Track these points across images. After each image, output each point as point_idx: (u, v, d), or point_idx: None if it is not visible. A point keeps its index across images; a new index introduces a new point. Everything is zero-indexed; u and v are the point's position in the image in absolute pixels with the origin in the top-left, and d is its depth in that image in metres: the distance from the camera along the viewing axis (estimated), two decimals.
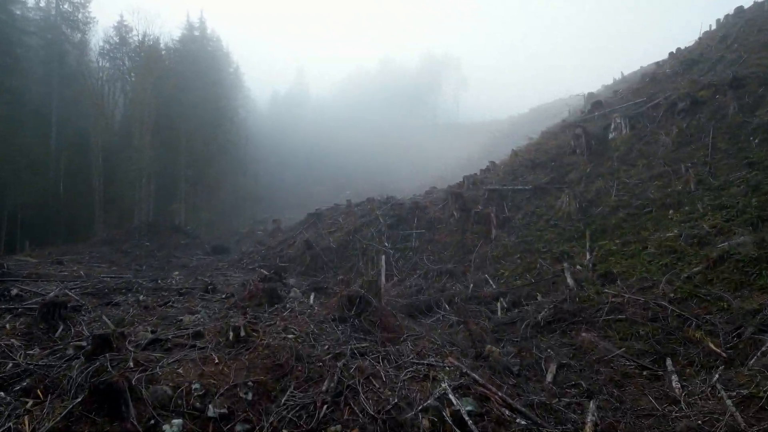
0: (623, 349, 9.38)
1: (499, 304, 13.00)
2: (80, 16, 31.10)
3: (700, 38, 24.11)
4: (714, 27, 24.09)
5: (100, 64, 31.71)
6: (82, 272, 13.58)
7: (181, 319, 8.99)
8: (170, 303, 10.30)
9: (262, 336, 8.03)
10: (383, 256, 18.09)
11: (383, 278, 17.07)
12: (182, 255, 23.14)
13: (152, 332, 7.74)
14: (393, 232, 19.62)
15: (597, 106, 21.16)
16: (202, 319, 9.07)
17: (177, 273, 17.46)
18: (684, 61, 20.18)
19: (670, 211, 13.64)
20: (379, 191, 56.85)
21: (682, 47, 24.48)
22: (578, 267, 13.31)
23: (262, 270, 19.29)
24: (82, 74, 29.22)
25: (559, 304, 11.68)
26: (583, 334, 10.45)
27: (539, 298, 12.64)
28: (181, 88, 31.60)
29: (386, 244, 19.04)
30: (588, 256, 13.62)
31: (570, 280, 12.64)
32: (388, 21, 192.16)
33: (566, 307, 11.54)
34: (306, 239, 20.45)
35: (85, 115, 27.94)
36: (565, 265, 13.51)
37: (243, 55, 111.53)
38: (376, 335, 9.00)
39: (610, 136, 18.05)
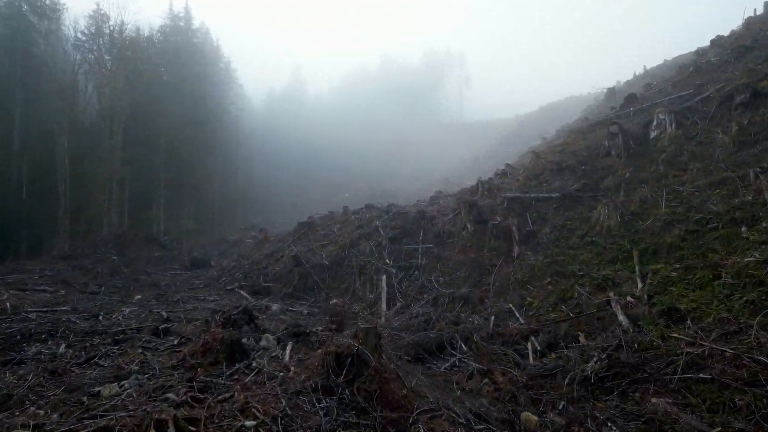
0: (718, 429, 6.82)
1: (529, 345, 10.45)
2: (48, 2, 28.59)
3: (746, 22, 21.60)
4: (761, 11, 21.60)
5: (75, 57, 29.20)
6: (8, 303, 11.03)
7: (99, 392, 6.40)
8: (97, 358, 7.71)
9: (205, 428, 5.48)
10: (384, 276, 15.57)
11: (384, 304, 14.54)
12: (155, 270, 20.60)
13: (35, 428, 5.14)
14: (395, 247, 17.09)
15: (631, 100, 18.63)
16: (129, 389, 6.47)
17: (139, 297, 14.96)
18: (734, 49, 17.68)
19: (743, 228, 11.08)
20: (379, 194, 54.40)
21: (724, 34, 21.97)
22: (629, 298, 10.75)
23: (241, 291, 16.77)
24: (50, 67, 26.70)
25: (613, 351, 9.11)
26: (654, 400, 7.86)
27: (582, 339, 10.08)
28: (159, 82, 29.10)
29: (387, 261, 16.52)
30: (640, 284, 11.06)
31: (622, 317, 10.09)
32: (376, 13, 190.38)
33: (623, 356, 8.98)
34: (294, 254, 17.91)
35: (54, 112, 25.45)
36: (612, 294, 10.96)
37: (235, 50, 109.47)
38: (374, 415, 6.45)
39: (652, 134, 15.51)
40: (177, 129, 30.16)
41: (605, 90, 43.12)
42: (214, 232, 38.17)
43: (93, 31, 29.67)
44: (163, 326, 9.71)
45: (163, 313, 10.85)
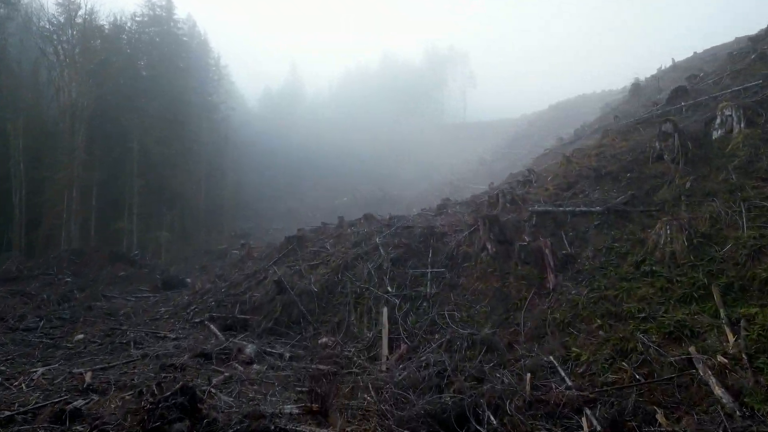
0: None
1: (584, 422, 7.72)
2: None
3: None
4: None
5: (38, 48, 26.39)
6: None
7: None
8: None
9: None
10: (385, 309, 12.82)
11: (386, 347, 11.81)
12: (118, 294, 17.87)
13: None
14: (399, 271, 14.35)
15: (680, 94, 15.88)
16: None
17: (81, 337, 12.24)
18: None
19: None
20: (378, 199, 51.62)
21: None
22: (720, 358, 8.00)
23: (211, 326, 14.00)
24: (5, 59, 23.97)
25: None
26: None
27: (662, 419, 7.35)
28: (134, 76, 26.40)
29: (389, 289, 13.79)
30: (731, 337, 8.31)
31: (719, 390, 7.34)
32: (377, 11, 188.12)
33: None
34: (278, 278, 15.16)
35: (10, 110, 22.71)
36: (693, 350, 8.25)
37: (228, 47, 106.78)
38: None
39: (715, 134, 12.76)
40: (152, 129, 27.39)
41: (629, 86, 40.43)
42: (200, 240, 35.42)
43: (62, 20, 26.95)
44: (73, 406, 6.94)
45: (86, 377, 8.08)
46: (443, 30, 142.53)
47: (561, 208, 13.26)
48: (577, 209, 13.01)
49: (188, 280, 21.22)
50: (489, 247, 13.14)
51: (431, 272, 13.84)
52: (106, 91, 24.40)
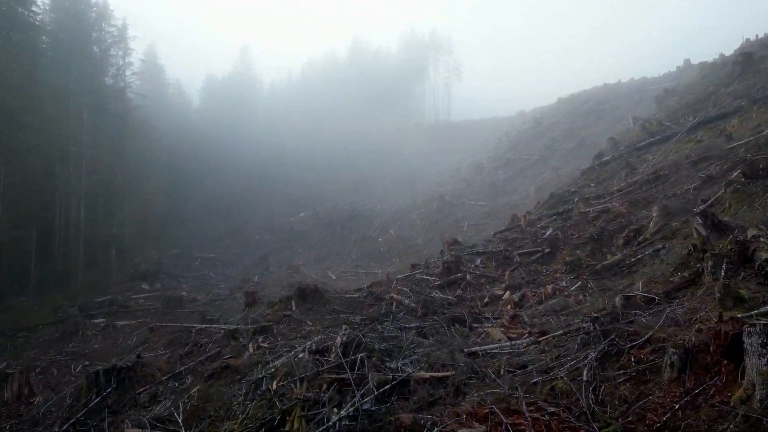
0: None
1: None
2: None
3: None
4: None
5: None
6: None
7: None
8: None
9: None
10: None
11: None
12: None
13: None
14: None
15: None
16: None
17: None
18: None
19: None
20: (346, 215, 42.05)
21: None
22: None
23: None
24: None
25: None
26: None
27: None
28: None
29: None
30: None
31: None
32: None
33: None
34: None
35: None
36: None
37: (163, 28, 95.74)
38: None
39: None
40: None
41: (674, 70, 32.27)
42: (78, 284, 25.30)
43: None
44: None
45: None
46: (423, 15, 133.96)
47: None
48: None
49: None
50: None
51: None
52: None
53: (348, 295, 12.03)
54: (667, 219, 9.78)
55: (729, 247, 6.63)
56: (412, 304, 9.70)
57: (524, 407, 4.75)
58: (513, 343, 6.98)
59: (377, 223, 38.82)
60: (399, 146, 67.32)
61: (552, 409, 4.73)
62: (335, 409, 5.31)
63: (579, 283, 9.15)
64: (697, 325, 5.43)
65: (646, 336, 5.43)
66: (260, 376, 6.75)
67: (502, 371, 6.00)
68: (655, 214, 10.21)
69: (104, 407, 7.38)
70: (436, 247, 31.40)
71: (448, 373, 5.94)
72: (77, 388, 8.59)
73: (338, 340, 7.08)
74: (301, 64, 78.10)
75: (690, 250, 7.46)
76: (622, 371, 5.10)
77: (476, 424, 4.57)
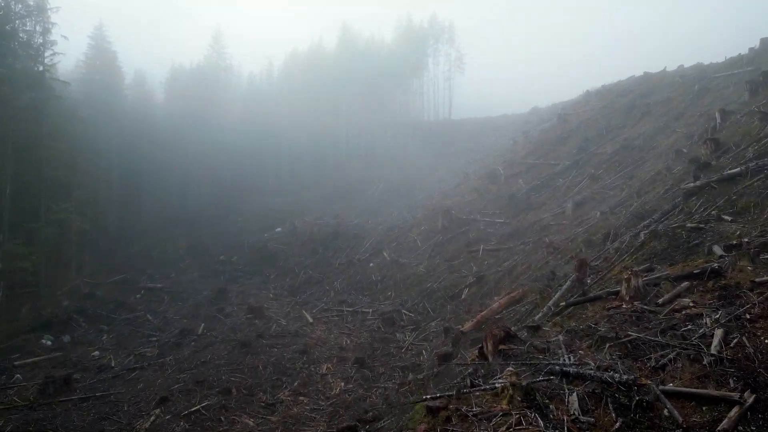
0: None
1: None
2: None
3: None
4: None
5: None
6: None
7: None
8: None
9: None
10: None
11: None
12: None
13: None
14: None
15: None
16: None
17: None
18: None
19: None
20: (330, 233, 35.66)
21: None
22: None
23: None
24: None
25: None
26: None
27: None
28: None
29: None
30: None
31: None
32: None
33: None
34: None
35: None
36: None
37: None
38: None
39: None
40: None
41: (746, 52, 26.29)
42: None
43: None
44: None
45: None
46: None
47: None
48: None
49: None
50: None
51: None
52: None
53: None
54: None
55: None
56: None
57: None
58: None
59: (368, 242, 32.48)
60: (394, 148, 61.19)
61: None
62: None
63: None
64: None
65: None
66: None
67: None
68: None
69: None
70: (443, 278, 25.21)
71: None
72: None
73: None
74: (284, 56, 71.81)
75: None
76: None
77: None
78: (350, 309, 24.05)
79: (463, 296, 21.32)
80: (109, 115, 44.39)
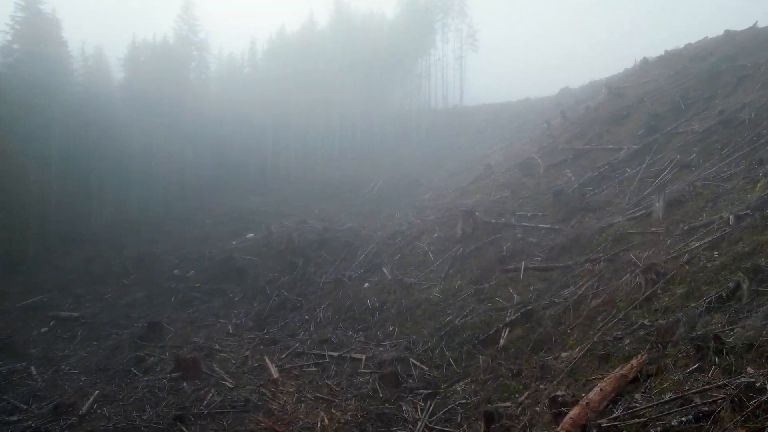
0: None
1: None
2: None
3: None
4: None
5: None
6: None
7: None
8: None
9: None
10: None
11: None
12: None
13: None
14: None
15: None
16: None
17: None
18: None
19: None
20: (314, 240, 27.89)
21: None
22: None
23: None
24: None
25: None
26: None
27: None
28: None
29: None
30: None
31: None
32: None
33: None
34: None
35: None
36: None
37: None
38: None
39: None
40: None
41: None
42: None
43: None
44: None
45: None
46: None
47: None
48: None
49: None
50: None
51: None
52: None
53: None
54: None
55: None
56: None
57: None
58: None
59: (362, 254, 25.32)
60: (396, 138, 54.26)
61: None
62: None
63: None
64: None
65: None
66: None
67: None
68: None
69: None
70: (468, 309, 18.06)
71: None
72: None
73: None
74: (269, 36, 64.90)
75: None
76: None
77: None
78: (335, 354, 16.93)
79: (501, 342, 14.19)
80: (48, 98, 37.44)
